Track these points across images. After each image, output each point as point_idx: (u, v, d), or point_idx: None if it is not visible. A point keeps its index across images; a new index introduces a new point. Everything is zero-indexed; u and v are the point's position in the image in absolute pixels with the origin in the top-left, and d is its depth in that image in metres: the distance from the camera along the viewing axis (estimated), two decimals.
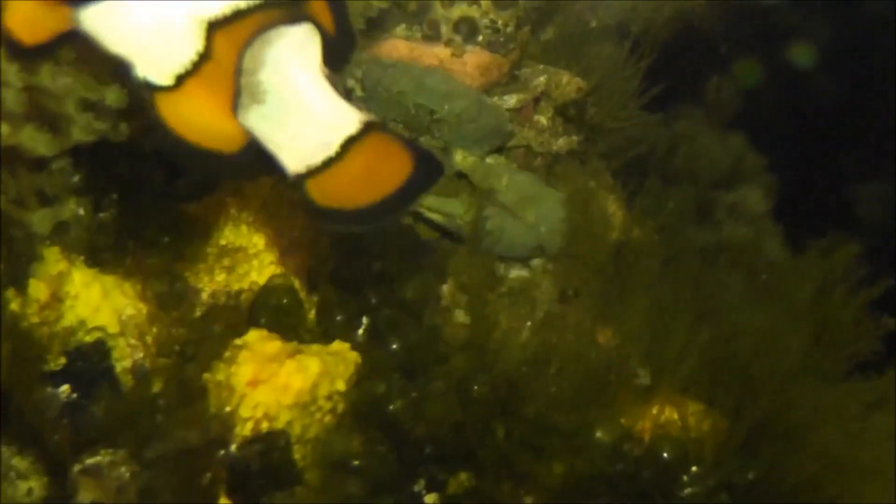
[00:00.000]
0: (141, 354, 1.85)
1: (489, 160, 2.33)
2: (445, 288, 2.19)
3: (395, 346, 1.93)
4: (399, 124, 2.26)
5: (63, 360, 1.81)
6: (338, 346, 1.89)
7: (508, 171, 2.32)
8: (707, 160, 3.21)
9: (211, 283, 1.97)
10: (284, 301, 1.92)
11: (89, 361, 1.82)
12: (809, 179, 3.27)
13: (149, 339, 1.86)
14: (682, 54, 2.92)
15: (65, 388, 1.80)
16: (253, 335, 1.84)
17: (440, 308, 2.16)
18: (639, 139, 2.62)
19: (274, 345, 1.82)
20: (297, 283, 2.01)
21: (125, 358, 1.86)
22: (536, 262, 2.34)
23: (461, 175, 2.31)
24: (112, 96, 1.73)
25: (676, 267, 2.29)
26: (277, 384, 1.78)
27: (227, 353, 1.80)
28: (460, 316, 2.16)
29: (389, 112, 2.24)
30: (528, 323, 2.22)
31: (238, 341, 1.82)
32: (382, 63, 2.29)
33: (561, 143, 2.42)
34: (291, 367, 1.79)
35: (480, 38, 2.33)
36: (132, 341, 1.86)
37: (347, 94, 2.22)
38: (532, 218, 2.26)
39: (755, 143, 3.32)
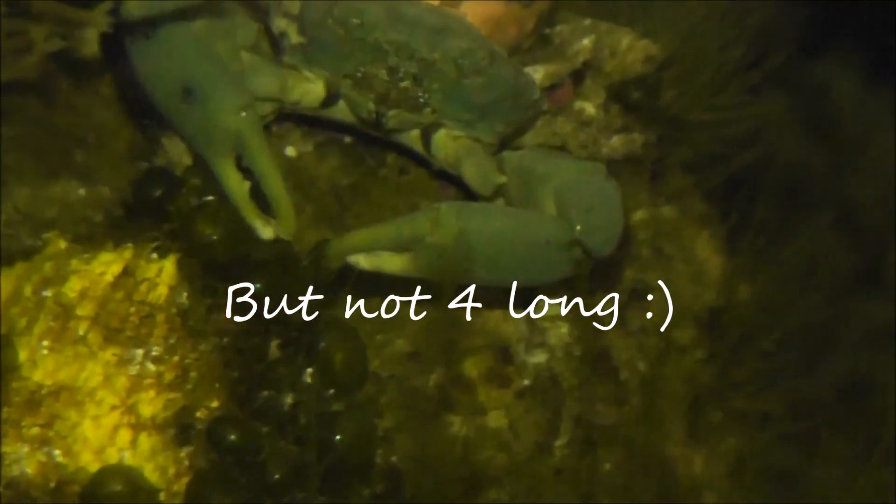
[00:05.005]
0: None
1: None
2: (433, 379, 1.88)
3: None
4: (359, 80, 1.76)
5: None
6: None
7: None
8: (865, 176, 2.75)
9: (18, 442, 1.63)
10: None
11: None
12: None
13: None
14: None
15: None
16: None
17: None
18: (747, 141, 2.19)
19: None
20: (154, 446, 1.63)
21: None
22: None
23: (441, 173, 1.88)
24: None
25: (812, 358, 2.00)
26: None
27: None
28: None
29: (345, 60, 1.75)
30: (558, 442, 1.88)
31: None
32: None
33: (617, 144, 2.00)
34: None
35: None
36: None
37: (277, 42, 1.79)
38: (549, 199, 1.78)
39: None
